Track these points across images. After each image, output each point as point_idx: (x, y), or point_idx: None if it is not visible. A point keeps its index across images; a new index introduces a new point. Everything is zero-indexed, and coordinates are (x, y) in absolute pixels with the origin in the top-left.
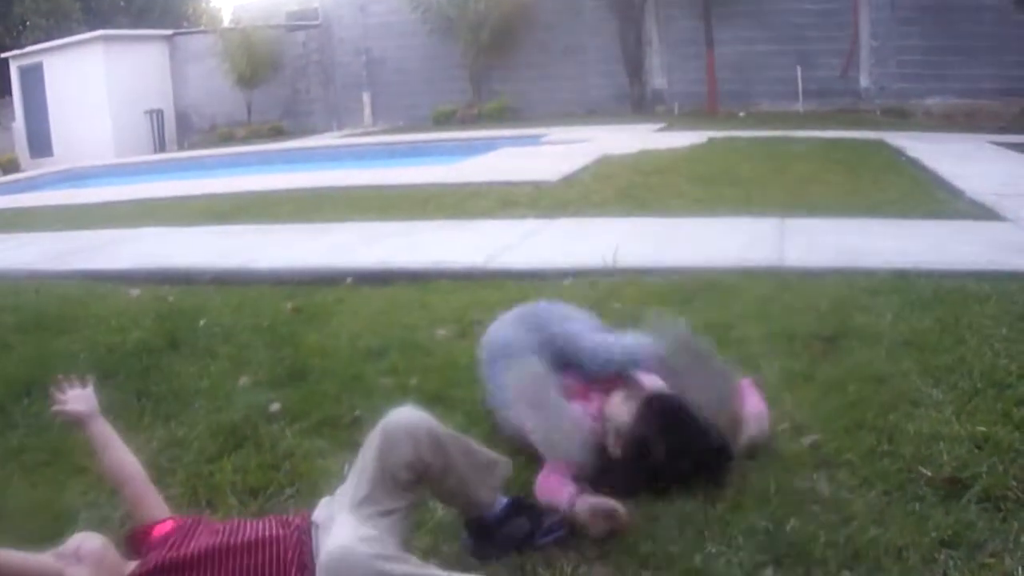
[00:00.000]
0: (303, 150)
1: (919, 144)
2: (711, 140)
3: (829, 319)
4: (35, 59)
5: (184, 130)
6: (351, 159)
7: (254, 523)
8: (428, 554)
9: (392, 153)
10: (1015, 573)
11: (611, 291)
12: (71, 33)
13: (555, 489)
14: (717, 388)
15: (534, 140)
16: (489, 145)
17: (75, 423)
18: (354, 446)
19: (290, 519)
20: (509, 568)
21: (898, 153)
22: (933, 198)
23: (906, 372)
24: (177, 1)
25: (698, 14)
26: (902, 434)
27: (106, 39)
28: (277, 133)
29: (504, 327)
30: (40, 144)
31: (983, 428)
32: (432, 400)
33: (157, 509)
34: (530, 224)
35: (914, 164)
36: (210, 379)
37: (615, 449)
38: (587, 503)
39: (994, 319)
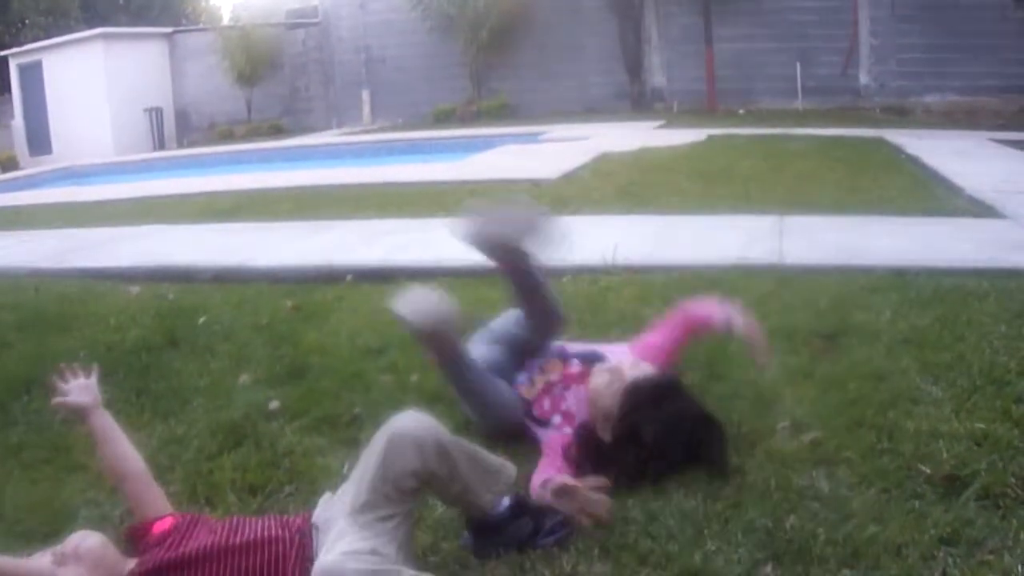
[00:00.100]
0: (303, 148)
1: (919, 142)
2: (710, 138)
3: (828, 317)
4: (34, 57)
5: (183, 128)
6: (351, 157)
7: (254, 523)
8: (428, 552)
9: (392, 151)
10: (1014, 570)
11: (610, 288)
12: (70, 31)
13: (535, 484)
14: (520, 220)
15: (534, 138)
16: (489, 143)
17: (76, 416)
18: (354, 444)
19: (290, 520)
20: (509, 565)
21: (898, 151)
22: (932, 195)
23: (905, 369)
24: None
25: (697, 11)
26: (901, 431)
27: (105, 37)
28: (277, 131)
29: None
30: (39, 142)
31: (982, 425)
32: (432, 399)
33: (158, 505)
34: None
35: (914, 162)
36: (210, 377)
37: (605, 434)
38: (547, 486)
39: (993, 316)
